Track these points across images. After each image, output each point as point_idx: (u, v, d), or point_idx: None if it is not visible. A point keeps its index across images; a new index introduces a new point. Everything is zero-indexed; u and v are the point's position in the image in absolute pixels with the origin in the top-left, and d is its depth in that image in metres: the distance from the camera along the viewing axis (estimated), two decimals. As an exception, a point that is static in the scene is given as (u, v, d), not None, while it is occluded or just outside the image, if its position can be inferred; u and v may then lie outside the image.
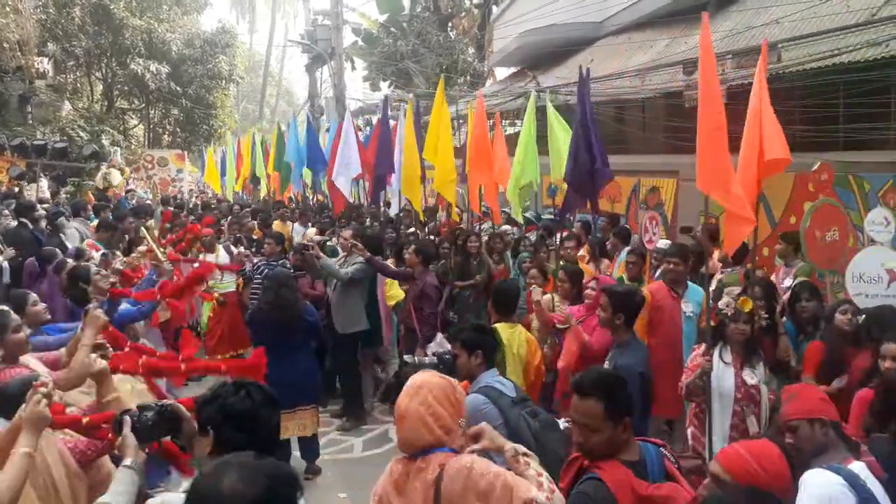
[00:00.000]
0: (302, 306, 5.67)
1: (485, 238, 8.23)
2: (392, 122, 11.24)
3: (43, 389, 2.53)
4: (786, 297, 5.90)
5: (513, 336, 4.62)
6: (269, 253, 7.79)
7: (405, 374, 3.81)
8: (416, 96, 18.78)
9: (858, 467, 2.62)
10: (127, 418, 2.30)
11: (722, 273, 6.72)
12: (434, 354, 3.56)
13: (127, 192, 18.65)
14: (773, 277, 6.37)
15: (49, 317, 4.65)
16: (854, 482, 2.52)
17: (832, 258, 5.59)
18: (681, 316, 5.21)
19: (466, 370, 3.47)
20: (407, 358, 3.58)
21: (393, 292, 7.19)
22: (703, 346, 4.20)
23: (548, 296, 5.65)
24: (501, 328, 4.55)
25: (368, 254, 6.61)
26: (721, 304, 4.31)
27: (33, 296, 4.55)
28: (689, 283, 5.45)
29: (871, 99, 7.69)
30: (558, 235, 7.35)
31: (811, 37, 7.76)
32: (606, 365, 4.16)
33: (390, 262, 7.28)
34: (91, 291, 5.12)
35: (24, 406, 2.53)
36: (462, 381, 3.41)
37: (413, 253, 6.67)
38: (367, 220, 10.83)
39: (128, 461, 2.26)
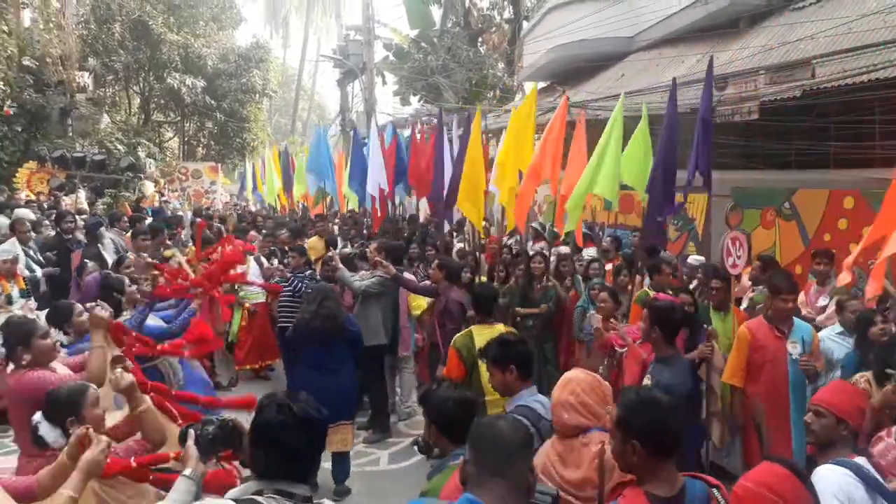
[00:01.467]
0: (344, 317, 5.71)
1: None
2: (410, 135, 11.41)
3: (105, 439, 2.67)
4: (821, 318, 5.80)
5: (491, 336, 4.63)
6: (295, 266, 7.89)
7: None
8: (444, 110, 18.92)
9: (861, 461, 2.75)
10: (191, 431, 2.44)
11: (753, 291, 6.63)
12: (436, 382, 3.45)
13: (162, 202, 19.04)
14: (801, 296, 6.26)
15: None
16: (859, 472, 2.66)
17: None
18: (786, 358, 4.69)
19: (504, 387, 3.38)
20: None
21: (418, 302, 7.23)
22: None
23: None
24: (477, 330, 4.64)
25: (394, 270, 6.62)
26: None
27: (79, 307, 4.66)
28: (795, 320, 4.87)
29: (909, 115, 7.56)
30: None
31: (846, 52, 7.66)
32: (647, 380, 3.99)
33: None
34: (124, 303, 5.24)
35: (70, 443, 2.69)
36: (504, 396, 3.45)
37: (437, 268, 6.67)
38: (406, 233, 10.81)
39: (188, 471, 2.37)
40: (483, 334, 4.45)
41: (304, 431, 2.19)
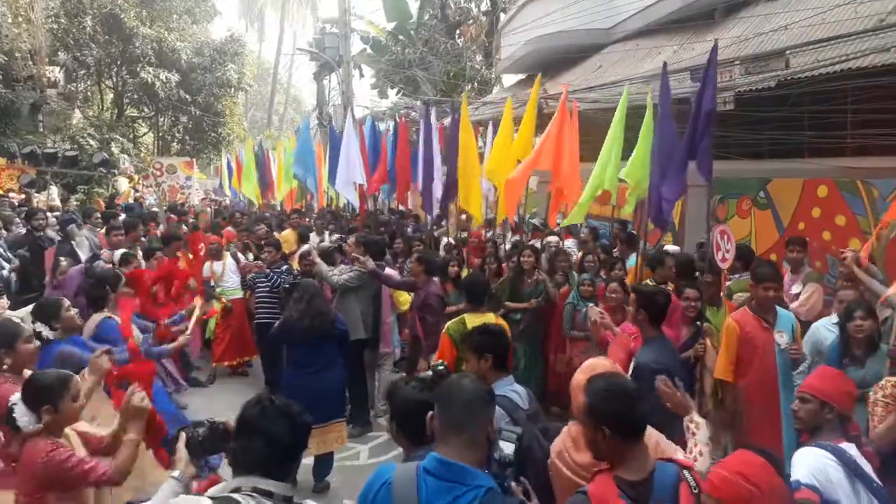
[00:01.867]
0: (333, 315, 5.65)
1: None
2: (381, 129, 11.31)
3: (140, 392, 3.00)
4: (794, 305, 5.85)
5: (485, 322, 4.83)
6: (271, 260, 7.82)
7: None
8: (423, 103, 18.84)
9: (847, 446, 2.79)
10: (183, 433, 2.42)
11: (729, 280, 6.66)
12: (430, 367, 3.47)
13: (136, 198, 18.78)
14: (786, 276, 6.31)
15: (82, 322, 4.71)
16: (841, 456, 2.70)
17: None
18: (774, 349, 4.68)
19: (477, 374, 3.33)
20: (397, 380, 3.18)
21: (404, 297, 7.21)
22: None
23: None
24: (470, 317, 4.80)
25: (372, 265, 6.61)
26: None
27: (66, 302, 4.59)
28: (778, 309, 4.86)
29: (880, 105, 7.65)
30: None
31: (819, 43, 7.73)
32: (633, 363, 4.13)
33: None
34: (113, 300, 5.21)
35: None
36: None
37: (416, 262, 6.64)
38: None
39: (176, 473, 2.36)
40: (475, 321, 4.59)
41: (285, 426, 2.16)
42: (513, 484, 2.32)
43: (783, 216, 8.79)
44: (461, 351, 4.43)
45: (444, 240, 9.84)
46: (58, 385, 3.14)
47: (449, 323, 4.93)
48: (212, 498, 2.05)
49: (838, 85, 7.61)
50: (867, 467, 2.75)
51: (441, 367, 3.27)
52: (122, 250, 7.41)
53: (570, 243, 8.78)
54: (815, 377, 3.11)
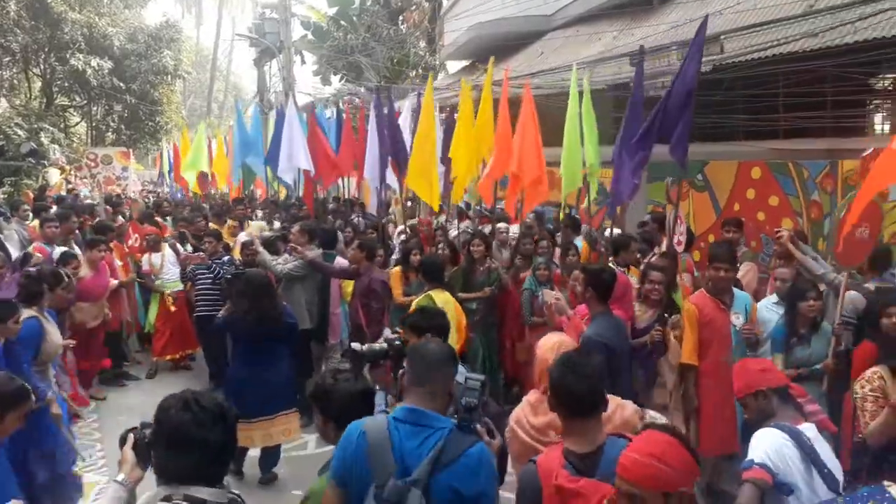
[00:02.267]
0: (282, 309, 5.52)
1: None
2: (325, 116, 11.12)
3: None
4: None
5: (447, 301, 5.13)
6: (212, 251, 7.64)
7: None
8: (367, 90, 18.65)
9: (806, 427, 2.80)
10: (131, 435, 2.26)
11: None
12: (385, 340, 3.50)
13: (69, 190, 18.05)
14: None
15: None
16: (798, 438, 2.71)
17: (856, 256, 4.78)
18: (731, 331, 4.71)
19: None
20: (354, 346, 3.49)
21: (351, 287, 7.10)
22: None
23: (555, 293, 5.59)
24: (435, 293, 5.12)
25: (310, 254, 6.55)
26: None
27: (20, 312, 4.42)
28: (734, 290, 4.90)
29: (809, 88, 7.93)
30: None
31: (752, 28, 7.95)
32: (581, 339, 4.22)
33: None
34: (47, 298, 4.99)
35: None
36: None
37: (357, 248, 6.56)
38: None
39: (120, 477, 2.20)
40: (441, 297, 5.11)
41: (220, 431, 2.04)
42: (477, 426, 2.48)
43: (720, 198, 9.05)
44: None
45: (399, 227, 9.71)
46: (17, 395, 3.05)
47: (418, 300, 5.16)
48: None
49: (770, 69, 7.85)
50: (823, 449, 2.76)
51: (398, 342, 3.36)
52: (63, 249, 7.13)
53: (514, 229, 8.81)
54: (735, 379, 3.10)
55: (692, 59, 4.95)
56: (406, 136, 8.80)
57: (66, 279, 5.78)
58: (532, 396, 3.15)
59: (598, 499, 2.21)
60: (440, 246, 7.37)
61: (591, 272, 4.47)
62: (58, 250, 7.12)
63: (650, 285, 5.02)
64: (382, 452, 2.28)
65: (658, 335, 4.76)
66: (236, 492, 2.18)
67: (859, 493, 2.19)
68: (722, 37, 8.06)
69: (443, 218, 9.65)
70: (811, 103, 8.00)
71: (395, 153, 8.41)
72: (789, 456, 2.68)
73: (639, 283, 5.27)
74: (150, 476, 2.18)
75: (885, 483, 2.09)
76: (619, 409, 2.93)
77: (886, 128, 9.07)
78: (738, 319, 4.73)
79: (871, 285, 4.98)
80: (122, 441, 2.27)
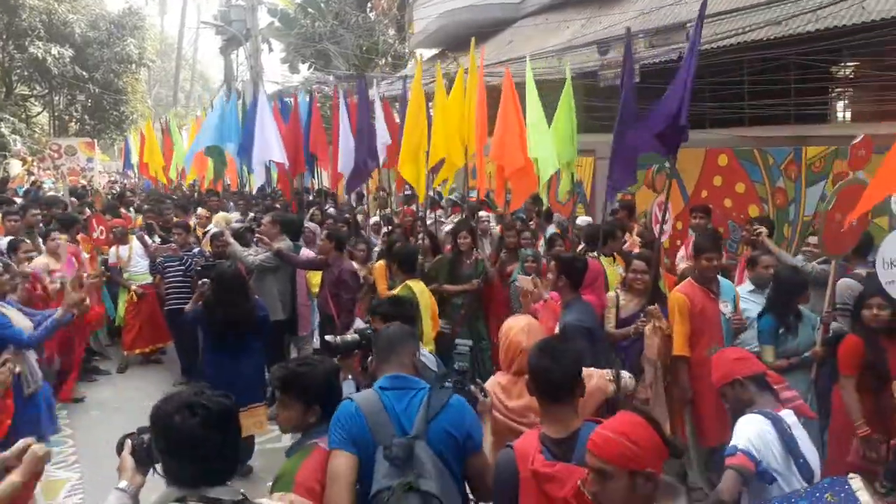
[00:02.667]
0: (253, 303, 5.49)
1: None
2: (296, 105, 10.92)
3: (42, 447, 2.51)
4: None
5: (423, 290, 5.25)
6: (182, 243, 7.56)
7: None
8: (336, 78, 18.47)
9: (786, 414, 2.86)
10: (128, 441, 2.21)
11: (641, 249, 6.88)
12: (356, 331, 3.55)
13: (32, 183, 17.65)
14: (682, 250, 6.60)
15: None
16: (778, 425, 2.78)
17: (844, 244, 4.68)
18: (721, 320, 4.68)
19: None
20: (328, 338, 3.52)
21: (317, 279, 7.07)
22: None
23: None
24: (412, 283, 5.23)
25: (276, 246, 6.52)
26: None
27: None
28: (720, 279, 4.88)
29: (773, 76, 8.07)
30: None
31: (717, 16, 8.05)
32: (557, 326, 4.34)
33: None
34: None
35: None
36: None
37: (326, 238, 6.50)
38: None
39: (122, 484, 2.15)
40: (418, 286, 5.22)
41: (225, 427, 2.01)
42: (471, 387, 2.75)
43: (688, 185, 9.17)
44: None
45: (372, 219, 9.60)
46: None
47: (398, 289, 5.27)
48: None
49: (735, 57, 7.97)
50: (801, 437, 2.81)
51: (369, 332, 3.47)
52: (9, 237, 6.97)
53: (486, 215, 8.77)
54: (713, 372, 3.13)
55: (694, 44, 4.75)
56: (380, 124, 8.72)
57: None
58: (502, 378, 3.22)
59: (572, 483, 2.25)
60: (420, 236, 7.26)
61: (563, 261, 4.59)
62: (3, 240, 6.96)
63: (633, 274, 5.02)
64: (379, 418, 2.50)
65: (643, 325, 4.67)
66: (241, 489, 2.13)
67: (819, 483, 2.25)
68: (688, 24, 8.16)
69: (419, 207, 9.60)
70: (775, 91, 8.14)
71: (371, 142, 8.35)
72: (770, 441, 2.73)
73: (623, 271, 5.29)
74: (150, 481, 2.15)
75: (850, 475, 2.15)
76: (586, 378, 2.97)
77: (848, 115, 9.27)
78: (726, 308, 4.72)
79: (861, 271, 4.94)
80: (120, 447, 2.22)
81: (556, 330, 4.28)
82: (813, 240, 5.50)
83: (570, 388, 2.47)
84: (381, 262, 6.61)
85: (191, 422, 1.95)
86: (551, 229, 7.67)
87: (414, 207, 9.32)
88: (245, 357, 5.33)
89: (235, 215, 9.78)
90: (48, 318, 4.72)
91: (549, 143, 6.66)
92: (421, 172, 7.41)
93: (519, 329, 3.20)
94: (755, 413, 2.83)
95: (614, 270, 5.81)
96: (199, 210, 10.26)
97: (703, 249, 4.71)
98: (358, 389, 3.46)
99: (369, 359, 2.92)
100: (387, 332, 2.88)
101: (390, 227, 8.30)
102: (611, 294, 5.09)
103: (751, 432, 2.75)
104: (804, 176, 7.81)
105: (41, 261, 6.75)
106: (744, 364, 3.01)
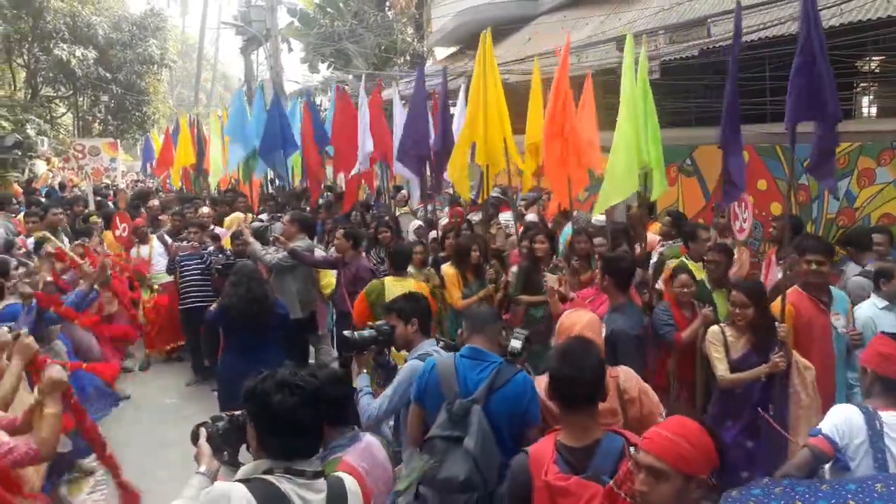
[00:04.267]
0: (273, 299, 5.52)
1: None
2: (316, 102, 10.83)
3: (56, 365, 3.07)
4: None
5: (404, 287, 5.09)
6: (198, 242, 7.62)
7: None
8: (355, 78, 18.52)
9: (888, 415, 2.70)
10: (202, 429, 2.39)
11: (662, 246, 6.81)
12: (372, 327, 3.59)
13: (59, 184, 17.89)
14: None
15: None
16: (870, 418, 2.69)
17: None
18: (832, 334, 4.11)
19: (404, 339, 3.65)
20: (345, 333, 3.58)
21: (327, 280, 7.07)
22: None
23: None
24: (390, 281, 5.35)
25: (290, 246, 6.55)
26: None
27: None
28: (832, 288, 4.27)
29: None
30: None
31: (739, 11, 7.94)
32: (603, 329, 4.05)
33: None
34: (9, 288, 4.92)
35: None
36: (400, 350, 3.75)
37: (342, 237, 6.49)
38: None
39: (202, 468, 2.31)
40: (395, 285, 5.23)
41: (314, 406, 2.14)
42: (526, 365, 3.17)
43: (709, 182, 9.07)
44: (376, 313, 4.93)
45: (414, 222, 9.04)
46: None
47: (370, 283, 5.38)
48: (244, 481, 2.04)
49: (757, 52, 7.86)
50: (891, 439, 2.69)
51: (386, 327, 3.57)
52: (40, 234, 7.10)
53: (507, 216, 8.62)
54: (865, 352, 3.00)
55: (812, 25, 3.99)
56: (397, 122, 8.60)
57: (21, 267, 5.66)
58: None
59: (587, 498, 2.20)
60: (450, 236, 6.76)
61: (608, 261, 4.40)
62: (30, 241, 7.11)
63: (679, 290, 4.73)
64: (450, 380, 3.01)
65: (783, 363, 3.90)
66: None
67: (878, 475, 2.19)
68: (709, 20, 8.08)
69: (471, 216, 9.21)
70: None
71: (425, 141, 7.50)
72: (856, 431, 2.66)
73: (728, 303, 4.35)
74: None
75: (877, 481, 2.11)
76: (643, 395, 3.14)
77: (873, 110, 9.12)
78: (838, 321, 4.13)
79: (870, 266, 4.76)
80: (195, 437, 2.38)
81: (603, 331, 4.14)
82: (879, 237, 5.19)
83: (592, 395, 2.40)
84: (452, 270, 6.03)
85: (289, 400, 2.10)
86: (568, 228, 7.61)
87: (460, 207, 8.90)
88: (265, 355, 5.35)
89: (263, 217, 9.70)
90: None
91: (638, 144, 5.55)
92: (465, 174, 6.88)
93: (582, 326, 3.16)
94: (850, 405, 2.82)
95: (699, 273, 5.21)
96: (203, 209, 10.05)
97: (809, 249, 4.06)
98: (372, 384, 3.57)
99: (459, 332, 3.42)
100: (479, 311, 3.47)
101: (459, 230, 7.30)
102: (715, 330, 4.26)
103: (839, 418, 2.71)
104: (828, 172, 7.68)
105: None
106: (885, 361, 2.85)
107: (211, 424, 2.41)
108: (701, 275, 5.19)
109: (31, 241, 7.02)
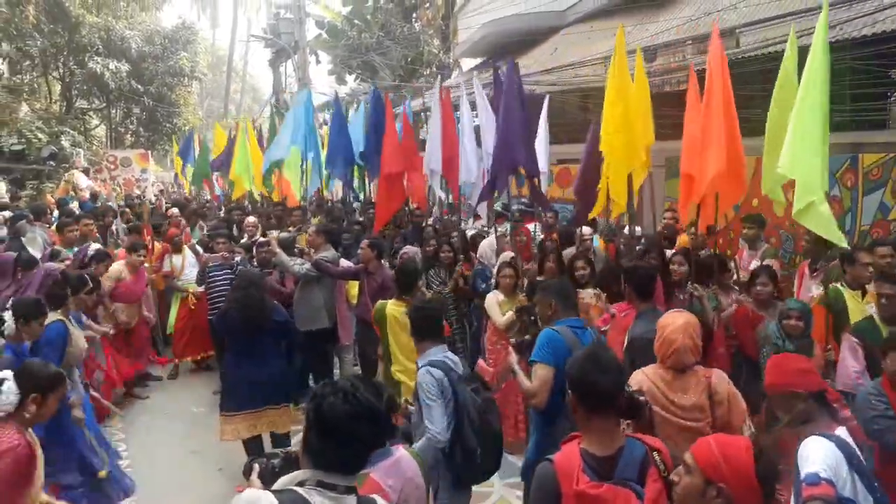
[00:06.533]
0: (270, 306, 5.53)
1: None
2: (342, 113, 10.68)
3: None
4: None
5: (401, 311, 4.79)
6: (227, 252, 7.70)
7: None
8: (382, 89, 18.66)
9: (842, 432, 2.72)
10: (255, 465, 2.37)
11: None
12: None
13: (91, 195, 18.21)
14: (735, 260, 6.44)
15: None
16: (843, 448, 2.64)
17: None
18: None
19: (419, 349, 3.76)
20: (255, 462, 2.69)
21: (355, 291, 7.08)
22: None
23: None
24: (392, 304, 4.99)
25: (315, 257, 6.59)
26: None
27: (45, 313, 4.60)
28: None
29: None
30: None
31: (767, 21, 7.88)
32: (626, 337, 4.28)
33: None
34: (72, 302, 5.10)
35: None
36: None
37: (367, 247, 6.52)
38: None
39: None
40: (393, 309, 4.93)
41: (367, 421, 2.06)
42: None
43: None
44: (383, 334, 4.97)
45: (469, 231, 8.62)
46: (55, 379, 3.25)
47: (375, 307, 5.25)
48: (276, 491, 2.01)
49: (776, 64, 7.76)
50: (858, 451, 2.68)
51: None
52: (98, 246, 7.33)
53: (532, 227, 8.53)
54: (768, 375, 2.98)
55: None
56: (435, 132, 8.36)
57: (91, 284, 5.88)
58: (665, 373, 3.31)
59: None
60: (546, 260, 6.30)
61: (626, 270, 4.70)
62: (93, 247, 7.31)
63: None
64: (574, 343, 3.68)
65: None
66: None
67: None
68: (738, 30, 8.01)
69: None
70: (830, 97, 7.89)
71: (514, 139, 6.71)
72: (838, 459, 2.59)
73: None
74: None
75: None
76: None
77: (908, 120, 8.95)
78: None
79: None
80: (248, 471, 2.36)
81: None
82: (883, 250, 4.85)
83: (614, 400, 2.38)
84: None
85: (341, 407, 2.03)
86: (595, 238, 7.57)
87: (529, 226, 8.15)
88: (263, 360, 5.38)
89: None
90: None
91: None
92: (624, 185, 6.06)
93: (675, 327, 3.29)
94: (819, 437, 2.66)
95: (859, 306, 4.54)
96: (249, 219, 10.18)
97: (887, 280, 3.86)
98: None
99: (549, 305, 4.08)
100: (563, 285, 4.18)
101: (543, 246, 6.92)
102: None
103: (825, 459, 2.57)
104: (861, 184, 7.55)
105: (116, 268, 7.29)
106: (808, 377, 2.84)
107: (265, 461, 2.38)
108: (859, 306, 4.47)
109: (92, 248, 7.27)
